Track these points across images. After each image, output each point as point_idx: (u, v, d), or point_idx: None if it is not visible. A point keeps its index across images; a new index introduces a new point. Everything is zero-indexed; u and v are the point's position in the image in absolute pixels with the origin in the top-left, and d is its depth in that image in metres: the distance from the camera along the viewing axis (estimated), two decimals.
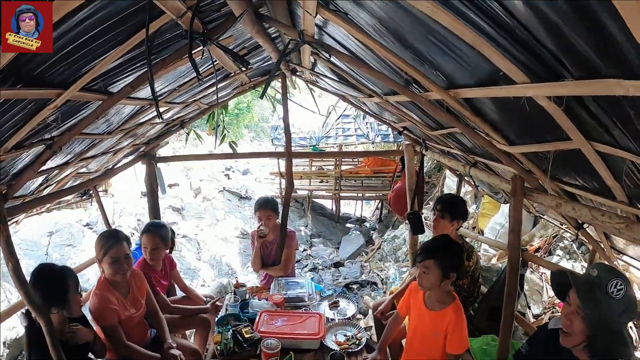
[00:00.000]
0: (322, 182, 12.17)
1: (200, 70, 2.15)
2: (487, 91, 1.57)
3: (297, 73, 4.66)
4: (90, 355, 2.54)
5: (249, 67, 3.16)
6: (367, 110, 4.85)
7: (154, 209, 4.39)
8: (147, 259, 3.18)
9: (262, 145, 22.67)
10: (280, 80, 4.48)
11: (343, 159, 11.38)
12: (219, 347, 2.73)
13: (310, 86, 5.66)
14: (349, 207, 13.45)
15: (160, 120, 3.20)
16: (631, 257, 2.77)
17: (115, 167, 3.82)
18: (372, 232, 10.81)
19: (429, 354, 2.57)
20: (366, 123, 10.86)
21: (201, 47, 1.61)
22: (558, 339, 1.79)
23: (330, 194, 11.52)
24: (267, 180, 14.85)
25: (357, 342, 2.89)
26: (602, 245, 2.81)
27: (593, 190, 1.85)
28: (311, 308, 3.32)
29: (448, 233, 3.11)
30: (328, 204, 13.10)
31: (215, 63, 2.34)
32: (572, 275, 1.71)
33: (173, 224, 9.67)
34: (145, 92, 2.23)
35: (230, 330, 2.83)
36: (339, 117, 11.01)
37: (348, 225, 11.64)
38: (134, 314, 2.78)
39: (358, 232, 10.51)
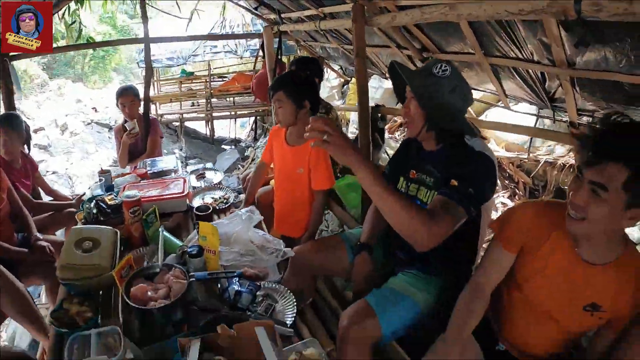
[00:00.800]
0: (193, 105, 11.92)
1: None
2: None
3: None
4: None
5: None
6: None
7: (11, 108, 4.09)
8: (2, 153, 2.99)
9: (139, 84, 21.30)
10: None
11: (212, 78, 11.15)
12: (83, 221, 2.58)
13: None
14: (223, 132, 13.40)
15: None
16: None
17: None
18: (247, 149, 11.00)
19: (295, 191, 2.65)
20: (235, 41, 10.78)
21: None
22: (411, 144, 1.92)
23: (203, 115, 11.34)
24: None
25: (224, 201, 2.93)
26: None
27: None
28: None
29: None
30: (202, 127, 12.92)
31: None
32: (400, 65, 1.73)
33: (41, 161, 8.92)
34: None
35: (94, 200, 2.63)
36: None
37: (223, 146, 11.62)
38: None
39: (233, 148, 10.63)
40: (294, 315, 1.73)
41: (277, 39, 4.73)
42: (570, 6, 1.46)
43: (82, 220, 2.54)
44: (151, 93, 11.48)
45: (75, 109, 13.67)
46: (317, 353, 1.40)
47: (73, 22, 5.20)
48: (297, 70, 3.31)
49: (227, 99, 11.52)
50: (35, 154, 9.29)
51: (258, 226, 2.35)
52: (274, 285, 1.94)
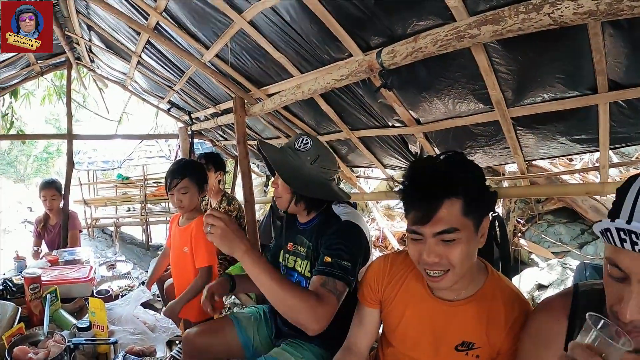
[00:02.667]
0: (129, 210, 11.80)
1: None
2: None
3: (83, 62, 4.86)
4: None
5: None
6: (139, 87, 5.15)
7: None
8: None
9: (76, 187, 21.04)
10: (66, 71, 4.65)
11: (148, 183, 11.21)
12: None
13: (99, 85, 5.81)
14: (161, 238, 13.17)
15: None
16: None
17: None
18: None
19: (184, 270, 2.71)
20: (168, 145, 11.09)
21: None
22: (290, 218, 2.01)
23: (138, 220, 11.21)
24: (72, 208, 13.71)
25: (129, 289, 3.03)
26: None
27: None
28: None
29: (213, 184, 3.60)
30: (139, 233, 12.66)
31: None
32: (263, 144, 1.89)
33: None
34: None
35: (2, 279, 2.72)
36: (141, 141, 11.04)
37: (159, 253, 11.31)
38: None
39: None
40: None
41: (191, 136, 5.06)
42: (374, 60, 1.68)
43: None
44: (87, 196, 11.43)
45: (15, 208, 13.33)
46: None
47: (6, 114, 5.31)
48: (207, 162, 3.53)
49: (162, 204, 11.46)
50: None
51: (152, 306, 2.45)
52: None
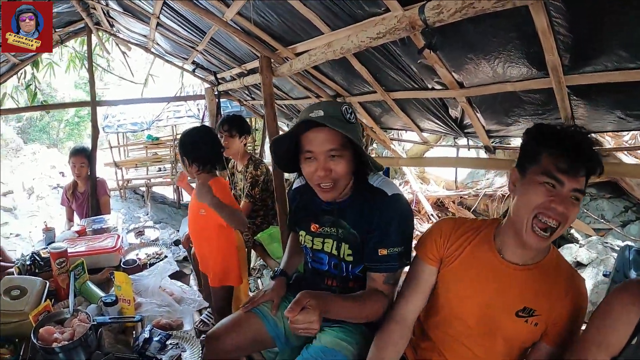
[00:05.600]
0: (160, 170, 11.93)
1: None
2: None
3: (103, 27, 4.74)
4: None
5: None
6: (161, 49, 5.00)
7: None
8: None
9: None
10: (86, 37, 4.54)
11: (177, 142, 11.20)
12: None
13: (122, 49, 5.70)
14: None
15: None
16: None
17: None
18: None
19: (202, 233, 2.77)
20: (197, 105, 11.02)
21: None
22: (305, 193, 1.76)
23: (169, 179, 11.32)
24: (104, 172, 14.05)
25: (157, 257, 2.95)
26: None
27: None
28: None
29: (239, 148, 3.48)
30: (170, 193, 12.86)
31: None
32: (323, 118, 1.48)
33: (5, 224, 9.08)
34: None
35: (30, 253, 2.74)
36: (169, 103, 10.99)
37: None
38: None
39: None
40: None
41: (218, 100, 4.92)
42: (416, 17, 1.45)
43: (17, 272, 2.60)
44: (118, 158, 11.60)
45: (47, 174, 13.67)
46: None
47: (29, 85, 5.30)
48: (227, 129, 3.41)
49: None
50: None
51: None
52: (185, 333, 1.94)
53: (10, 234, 8.83)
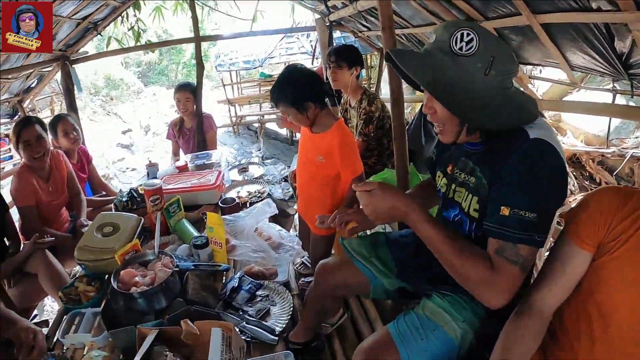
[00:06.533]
0: (272, 107, 12.14)
1: None
2: None
3: None
4: None
5: None
6: None
7: (71, 107, 4.44)
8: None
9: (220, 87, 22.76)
10: None
11: None
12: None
13: None
14: None
15: None
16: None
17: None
18: None
19: (312, 180, 2.38)
20: (310, 42, 10.80)
21: None
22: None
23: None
24: (217, 109, 14.75)
25: (258, 195, 2.89)
26: None
27: None
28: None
29: (348, 81, 3.17)
30: (284, 129, 13.13)
31: None
32: (399, 52, 1.28)
33: (121, 159, 9.95)
34: None
35: (129, 189, 2.85)
36: (282, 38, 10.91)
37: None
38: (54, 201, 2.85)
39: None
40: (286, 323, 1.63)
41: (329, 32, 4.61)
42: None
43: (114, 208, 2.72)
44: (231, 95, 11.98)
45: (166, 113, 14.69)
46: None
47: (132, 27, 5.48)
48: (334, 60, 3.11)
49: None
50: (117, 152, 10.52)
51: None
52: (277, 286, 1.84)
53: (127, 167, 9.64)
